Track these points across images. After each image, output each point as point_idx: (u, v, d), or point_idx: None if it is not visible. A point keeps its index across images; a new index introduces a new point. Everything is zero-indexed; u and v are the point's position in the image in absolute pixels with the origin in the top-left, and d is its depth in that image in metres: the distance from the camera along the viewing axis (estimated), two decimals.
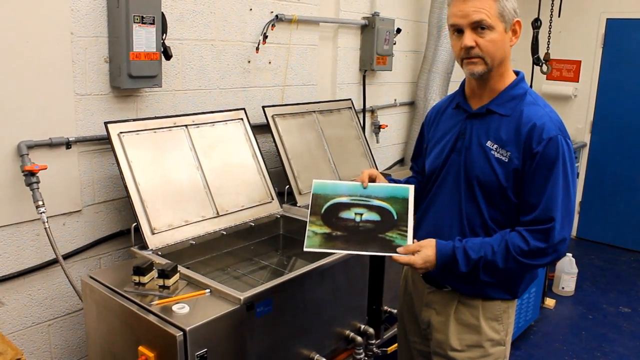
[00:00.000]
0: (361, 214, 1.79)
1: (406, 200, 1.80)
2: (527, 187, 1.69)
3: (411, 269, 1.76)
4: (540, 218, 1.66)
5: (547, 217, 1.65)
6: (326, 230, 1.78)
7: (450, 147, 1.84)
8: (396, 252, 1.72)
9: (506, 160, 1.71)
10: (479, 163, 1.75)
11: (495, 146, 1.73)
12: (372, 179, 1.87)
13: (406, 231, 1.74)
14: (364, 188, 1.83)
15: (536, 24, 4.82)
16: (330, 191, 1.84)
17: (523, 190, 1.71)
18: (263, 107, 3.02)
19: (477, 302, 1.83)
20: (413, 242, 1.74)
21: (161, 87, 2.55)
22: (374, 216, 1.79)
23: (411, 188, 1.83)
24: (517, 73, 1.82)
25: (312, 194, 1.84)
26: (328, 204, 1.82)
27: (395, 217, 1.78)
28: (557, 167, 1.66)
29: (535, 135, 1.67)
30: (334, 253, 1.79)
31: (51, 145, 2.26)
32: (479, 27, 1.66)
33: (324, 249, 1.76)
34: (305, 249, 1.75)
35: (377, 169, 3.59)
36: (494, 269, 1.69)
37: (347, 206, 1.81)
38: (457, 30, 1.71)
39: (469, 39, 1.68)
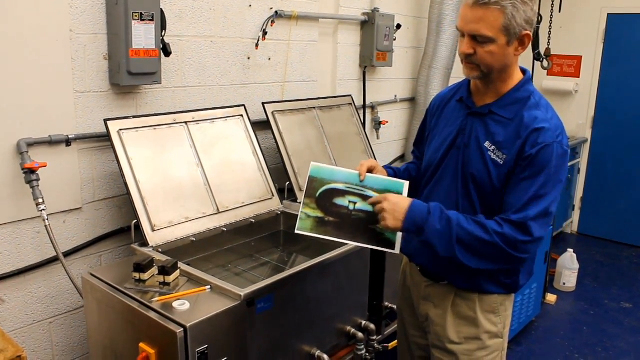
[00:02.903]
0: (355, 203, 1.80)
1: (400, 195, 1.80)
2: (511, 187, 1.68)
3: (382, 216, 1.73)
4: (515, 214, 1.65)
5: (522, 214, 1.63)
6: (319, 214, 1.78)
7: (450, 142, 1.84)
8: (387, 247, 1.74)
9: (501, 163, 1.70)
10: (475, 162, 1.75)
11: (493, 147, 1.72)
12: (370, 170, 1.87)
13: None
14: (362, 181, 1.83)
15: (537, 19, 4.80)
16: (326, 176, 1.84)
17: (506, 189, 1.70)
18: (263, 104, 3.01)
19: (474, 295, 1.84)
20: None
21: (161, 84, 2.54)
22: (367, 206, 1.79)
23: (406, 184, 1.83)
24: (524, 72, 1.79)
25: (309, 177, 1.84)
26: (323, 188, 1.82)
27: None
28: (544, 173, 1.64)
29: (531, 140, 1.65)
30: (324, 239, 1.79)
31: (51, 142, 2.26)
32: (477, 37, 1.64)
33: (315, 234, 1.77)
34: (296, 231, 1.76)
35: None
36: (468, 238, 1.65)
37: (342, 193, 1.81)
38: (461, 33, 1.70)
39: (466, 46, 1.67)
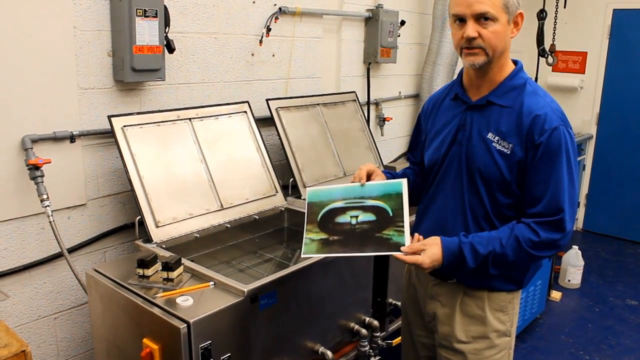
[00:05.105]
0: (357, 216, 1.78)
1: (400, 195, 1.77)
2: (531, 178, 1.68)
3: (418, 269, 1.77)
4: (549, 210, 1.65)
5: (556, 209, 1.64)
6: (323, 236, 1.77)
7: (451, 139, 1.82)
8: (396, 250, 1.69)
9: (508, 152, 1.69)
10: (481, 155, 1.74)
11: (497, 138, 1.71)
12: (369, 175, 1.86)
13: (402, 227, 1.71)
14: (362, 186, 1.81)
15: (542, 15, 4.79)
16: (324, 197, 1.83)
17: (526, 182, 1.69)
18: (267, 100, 3.01)
19: (483, 293, 1.83)
20: (413, 238, 1.71)
21: (164, 80, 2.55)
22: (369, 216, 1.77)
23: (404, 182, 1.80)
24: (515, 62, 1.80)
25: (307, 203, 1.83)
26: (324, 210, 1.81)
27: (391, 214, 1.75)
28: (560, 157, 1.64)
29: (538, 126, 1.65)
30: (332, 257, 1.78)
31: (55, 139, 2.26)
32: (482, 18, 1.64)
33: (322, 253, 1.76)
34: (302, 256, 1.75)
35: (382, 162, 3.59)
36: (504, 261, 1.68)
37: (342, 210, 1.79)
38: (460, 19, 1.69)
39: (471, 29, 1.65)
